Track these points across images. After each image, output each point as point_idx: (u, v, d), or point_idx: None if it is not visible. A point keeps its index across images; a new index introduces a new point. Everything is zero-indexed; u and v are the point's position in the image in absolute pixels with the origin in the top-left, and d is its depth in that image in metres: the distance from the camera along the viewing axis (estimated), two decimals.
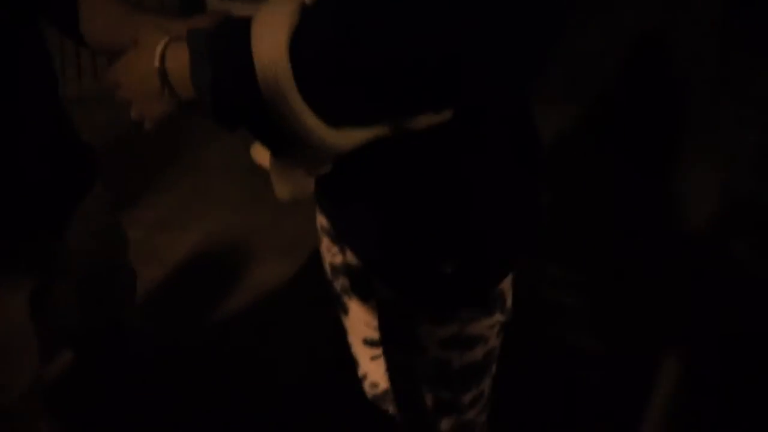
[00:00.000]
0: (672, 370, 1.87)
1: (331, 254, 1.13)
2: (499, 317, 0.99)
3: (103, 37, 0.93)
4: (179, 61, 0.68)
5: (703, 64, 3.15)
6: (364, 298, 1.14)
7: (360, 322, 1.19)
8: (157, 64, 0.70)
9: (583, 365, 1.89)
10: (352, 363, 1.31)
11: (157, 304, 2.14)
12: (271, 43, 0.62)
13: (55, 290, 1.15)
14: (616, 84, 3.27)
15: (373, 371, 1.27)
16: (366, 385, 1.31)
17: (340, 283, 1.15)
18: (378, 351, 1.19)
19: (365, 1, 0.60)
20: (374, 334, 1.15)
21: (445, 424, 1.06)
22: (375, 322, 1.10)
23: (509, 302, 1.01)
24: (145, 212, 2.53)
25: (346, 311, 1.19)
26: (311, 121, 0.64)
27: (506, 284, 0.99)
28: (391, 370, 1.08)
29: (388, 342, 1.05)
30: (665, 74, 3.25)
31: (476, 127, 0.79)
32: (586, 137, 2.99)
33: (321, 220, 1.11)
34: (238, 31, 0.64)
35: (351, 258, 1.07)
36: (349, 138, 0.67)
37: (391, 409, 1.26)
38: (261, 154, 0.83)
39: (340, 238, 1.07)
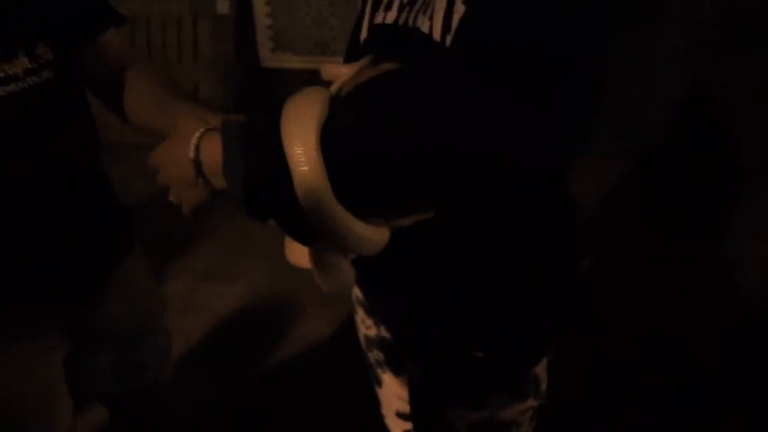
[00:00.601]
0: None
1: (366, 326, 1.13)
2: (532, 402, 0.96)
3: (143, 120, 0.97)
4: (213, 153, 0.70)
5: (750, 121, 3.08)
6: (398, 373, 1.13)
7: (393, 395, 1.18)
8: (191, 155, 0.72)
9: None
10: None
11: (197, 354, 2.16)
12: (302, 142, 0.63)
13: (90, 354, 1.17)
14: (664, 139, 3.22)
15: None
16: None
17: (374, 355, 1.15)
18: (410, 425, 1.18)
19: (391, 95, 0.62)
20: (406, 408, 1.14)
21: None
22: (407, 396, 1.09)
23: (544, 386, 0.99)
24: (190, 261, 2.58)
25: (379, 383, 1.18)
26: (347, 220, 0.64)
27: (541, 368, 0.97)
28: None
29: (418, 420, 1.04)
30: (715, 130, 3.19)
31: (508, 206, 0.79)
32: (631, 194, 2.94)
33: (356, 292, 1.11)
34: (269, 126, 0.65)
35: (385, 332, 1.06)
36: (384, 234, 0.68)
37: None
38: (296, 254, 0.83)
39: (374, 313, 1.07)
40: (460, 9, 0.69)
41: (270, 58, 3.58)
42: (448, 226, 0.73)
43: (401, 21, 0.80)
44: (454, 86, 0.59)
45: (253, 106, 3.62)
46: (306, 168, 0.61)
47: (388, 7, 0.84)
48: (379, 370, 1.16)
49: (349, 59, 0.90)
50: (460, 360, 0.90)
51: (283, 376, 2.07)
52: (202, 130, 0.73)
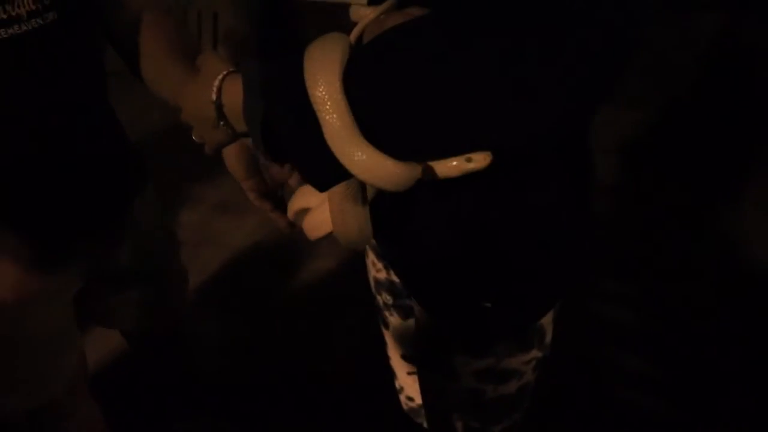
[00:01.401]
0: (726, 403, 1.82)
1: (376, 269, 1.14)
2: (536, 353, 0.98)
3: (157, 80, 0.99)
4: (234, 95, 0.70)
5: None
6: (405, 316, 1.15)
7: (399, 338, 1.20)
8: (213, 97, 0.72)
9: (637, 391, 1.85)
10: (390, 372, 1.33)
11: (211, 287, 2.20)
12: (325, 77, 0.63)
13: (107, 293, 1.19)
14: (686, 90, 3.15)
15: (410, 386, 1.28)
16: (402, 398, 1.32)
17: (382, 298, 1.16)
18: (414, 368, 1.20)
19: (413, 41, 0.61)
20: (412, 353, 1.17)
21: None
22: (413, 340, 1.11)
23: (549, 337, 1.00)
24: (205, 194, 2.60)
25: (386, 325, 1.20)
26: (375, 154, 0.63)
27: (547, 319, 0.98)
28: (424, 392, 1.09)
29: (423, 364, 1.06)
30: (746, 84, 3.12)
31: (529, 158, 0.78)
32: (649, 146, 2.90)
33: None
34: (292, 69, 0.65)
35: (394, 276, 1.07)
36: (414, 169, 0.67)
37: (424, 424, 1.27)
38: (313, 222, 0.83)
39: (384, 257, 1.08)
40: None
41: None
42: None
43: None
44: (472, 42, 0.58)
45: (272, 39, 3.57)
46: (330, 107, 0.61)
47: None
48: (386, 313, 1.17)
49: (375, 2, 0.88)
50: (468, 308, 0.91)
51: (294, 311, 2.10)
52: (224, 72, 0.73)
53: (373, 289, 1.18)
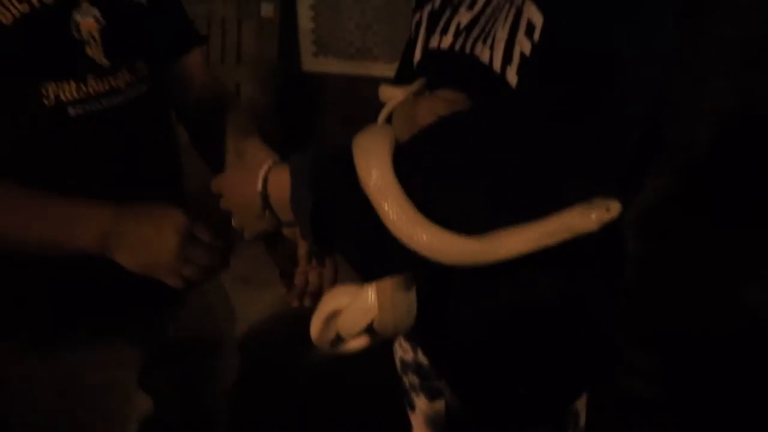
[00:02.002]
0: None
1: (403, 350, 1.11)
2: None
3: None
4: (281, 186, 0.71)
5: None
6: (433, 398, 1.11)
7: (426, 421, 1.16)
8: (259, 188, 0.73)
9: None
10: None
11: None
12: (378, 166, 0.63)
13: (162, 363, 1.17)
14: (708, 157, 3.15)
15: None
16: None
17: (409, 378, 1.13)
18: None
19: (462, 142, 0.62)
20: None
21: None
22: (441, 423, 1.07)
23: (582, 420, 0.97)
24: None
25: (413, 407, 1.17)
26: (442, 235, 0.63)
27: (581, 402, 0.95)
28: None
29: None
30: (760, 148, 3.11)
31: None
32: (672, 213, 2.88)
33: None
34: (341, 159, 0.66)
35: (422, 357, 1.05)
36: (483, 244, 0.66)
37: None
38: (351, 319, 0.83)
39: (412, 338, 1.06)
40: (523, 42, 0.67)
41: (312, 62, 3.58)
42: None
43: (458, 47, 0.79)
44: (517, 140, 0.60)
45: (293, 110, 3.63)
46: (387, 195, 0.62)
47: (445, 31, 0.83)
48: (413, 394, 1.14)
49: (401, 80, 0.90)
50: (501, 393, 0.88)
51: (314, 386, 2.07)
52: (270, 161, 0.74)
53: (399, 370, 1.15)
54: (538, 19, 0.67)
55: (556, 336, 0.84)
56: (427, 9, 0.89)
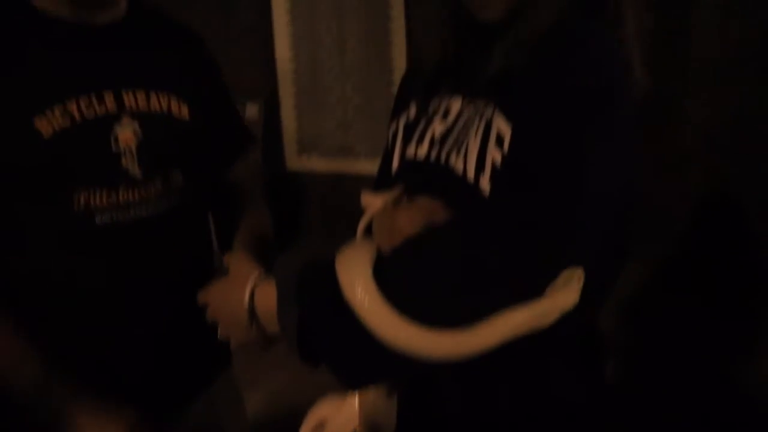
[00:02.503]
0: None
1: None
2: None
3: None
4: (267, 300, 0.73)
5: None
6: None
7: None
8: (246, 301, 0.75)
9: None
10: None
11: None
12: (362, 283, 0.66)
13: None
14: (689, 241, 3.20)
15: None
16: None
17: None
18: None
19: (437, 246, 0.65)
20: None
21: None
22: None
23: None
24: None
25: None
26: (427, 335, 0.66)
27: None
28: None
29: None
30: (740, 234, 3.17)
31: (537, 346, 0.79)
32: (659, 296, 2.90)
33: None
34: (325, 273, 0.68)
35: None
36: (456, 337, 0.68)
37: None
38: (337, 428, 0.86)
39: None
40: (494, 152, 0.71)
41: (295, 161, 3.67)
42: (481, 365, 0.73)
43: (433, 157, 0.83)
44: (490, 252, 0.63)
45: (278, 207, 3.68)
46: (371, 308, 0.66)
47: (420, 141, 0.87)
48: None
49: (380, 187, 0.93)
50: None
51: None
52: (256, 274, 0.76)
53: None
54: (506, 130, 0.71)
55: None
56: (403, 119, 0.94)
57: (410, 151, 0.89)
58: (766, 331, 2.66)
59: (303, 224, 3.71)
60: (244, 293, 0.76)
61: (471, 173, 0.74)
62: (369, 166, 3.27)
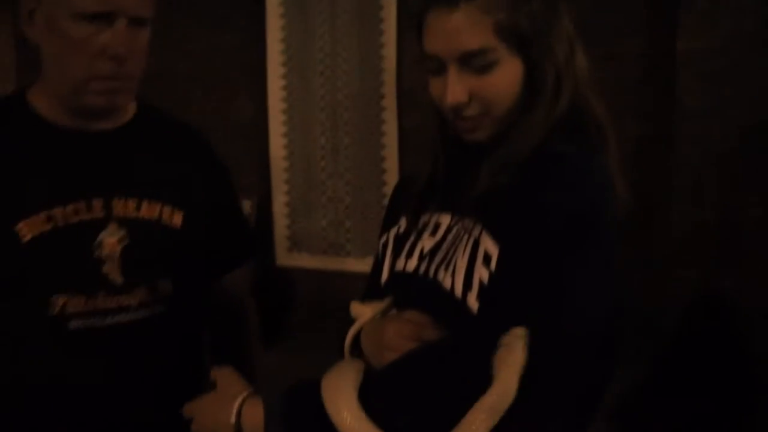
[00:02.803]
0: None
1: None
2: None
3: None
4: (255, 420, 0.74)
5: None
6: None
7: None
8: (233, 420, 0.75)
9: None
10: None
11: None
12: (348, 407, 0.67)
13: None
14: (679, 345, 3.19)
15: None
16: None
17: None
18: None
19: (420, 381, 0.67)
20: None
21: None
22: None
23: None
24: None
25: None
26: None
27: None
28: None
29: None
30: (730, 336, 3.16)
31: None
32: (653, 399, 2.86)
33: None
34: (311, 396, 0.69)
35: None
36: None
37: None
38: None
39: None
40: (481, 271, 0.73)
41: (286, 257, 3.68)
42: None
43: (422, 271, 0.85)
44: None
45: (267, 303, 3.66)
46: (356, 429, 0.67)
47: (409, 256, 0.89)
48: None
49: (369, 297, 0.94)
50: None
51: None
52: (244, 394, 0.77)
53: None
54: (493, 250, 0.73)
55: None
56: (393, 232, 0.96)
57: (400, 263, 0.91)
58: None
59: (291, 320, 3.68)
60: (231, 411, 0.76)
61: (459, 290, 0.76)
62: (359, 265, 3.29)
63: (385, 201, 1.05)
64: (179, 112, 1.39)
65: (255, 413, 0.75)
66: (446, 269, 0.80)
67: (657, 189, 2.96)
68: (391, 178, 3.36)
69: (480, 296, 0.73)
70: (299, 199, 3.66)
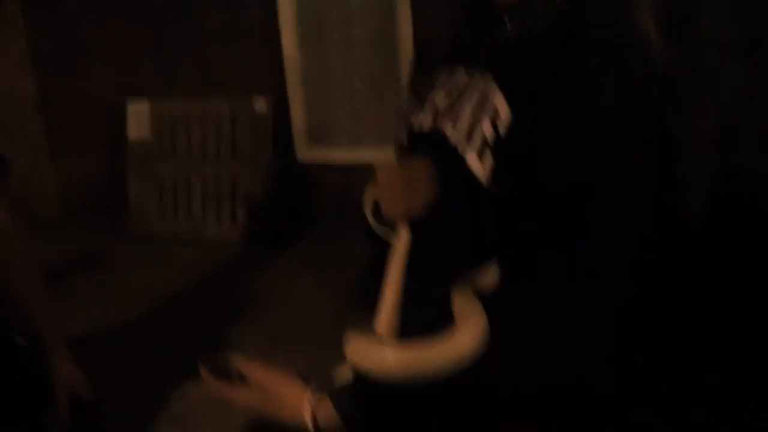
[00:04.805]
0: None
1: None
2: None
3: None
4: (329, 416, 0.77)
5: None
6: None
7: None
8: (311, 425, 0.78)
9: None
10: None
11: None
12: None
13: None
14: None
15: None
16: None
17: None
18: None
19: None
20: None
21: None
22: None
23: None
24: (230, 348, 2.58)
25: None
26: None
27: None
28: None
29: None
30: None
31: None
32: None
33: None
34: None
35: None
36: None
37: None
38: None
39: None
40: (485, 127, 0.72)
41: (306, 152, 3.69)
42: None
43: (432, 125, 0.83)
44: None
45: (289, 200, 3.70)
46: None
47: (424, 111, 0.86)
48: None
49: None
50: None
51: None
52: (308, 396, 0.79)
53: None
54: (503, 110, 0.71)
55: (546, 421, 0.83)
56: (412, 92, 0.94)
57: (415, 120, 0.89)
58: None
59: (316, 214, 3.72)
60: (304, 416, 0.79)
61: (460, 142, 0.75)
62: (379, 155, 3.29)
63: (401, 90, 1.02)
64: (192, 13, 1.33)
65: (328, 412, 0.77)
66: (451, 119, 0.78)
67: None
68: (406, 66, 3.30)
69: (481, 156, 0.72)
70: (315, 94, 3.62)
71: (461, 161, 0.75)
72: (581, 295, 0.68)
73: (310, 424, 0.77)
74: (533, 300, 0.69)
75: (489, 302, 0.69)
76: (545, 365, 0.69)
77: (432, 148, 0.82)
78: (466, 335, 0.65)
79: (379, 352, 0.69)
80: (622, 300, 0.72)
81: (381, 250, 0.90)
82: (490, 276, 0.72)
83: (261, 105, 3.62)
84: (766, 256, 2.96)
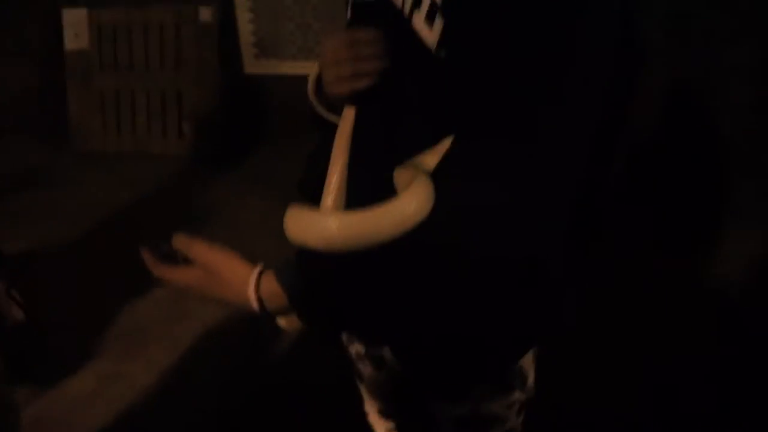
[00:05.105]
0: None
1: None
2: (518, 396, 0.93)
3: None
4: (274, 293, 0.75)
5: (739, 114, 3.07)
6: (378, 367, 1.09)
7: (374, 391, 1.14)
8: (255, 303, 0.75)
9: None
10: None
11: (184, 363, 2.13)
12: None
13: None
14: (649, 135, 3.20)
15: None
16: None
17: (354, 348, 1.11)
18: (393, 424, 1.14)
19: None
20: (389, 406, 1.11)
21: None
22: (389, 390, 1.05)
23: (531, 379, 0.95)
24: None
25: (361, 378, 1.15)
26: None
27: (527, 360, 0.93)
28: None
29: (401, 416, 1.01)
30: (701, 125, 3.18)
31: None
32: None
33: None
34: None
35: None
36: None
37: None
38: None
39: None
40: None
41: (253, 64, 3.56)
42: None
43: None
44: None
45: (237, 113, 3.59)
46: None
47: None
48: (359, 365, 1.12)
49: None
50: (439, 353, 0.87)
51: (272, 381, 2.05)
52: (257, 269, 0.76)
53: (345, 341, 1.13)
54: None
55: (492, 291, 0.82)
56: None
57: None
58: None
59: (265, 129, 3.63)
60: (248, 284, 0.75)
61: (407, 7, 0.70)
62: None
63: None
64: None
65: (271, 285, 0.74)
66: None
67: None
68: None
69: (429, 18, 0.67)
70: (263, 3, 3.46)
71: (408, 24, 0.70)
72: (534, 169, 0.65)
73: (255, 302, 0.74)
74: (481, 170, 0.65)
75: (436, 171, 0.66)
76: (492, 233, 0.67)
77: (377, 15, 0.77)
78: (409, 198, 0.62)
79: (322, 222, 0.65)
80: (573, 183, 0.70)
81: (326, 134, 0.86)
82: (438, 155, 0.68)
83: (207, 14, 3.46)
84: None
